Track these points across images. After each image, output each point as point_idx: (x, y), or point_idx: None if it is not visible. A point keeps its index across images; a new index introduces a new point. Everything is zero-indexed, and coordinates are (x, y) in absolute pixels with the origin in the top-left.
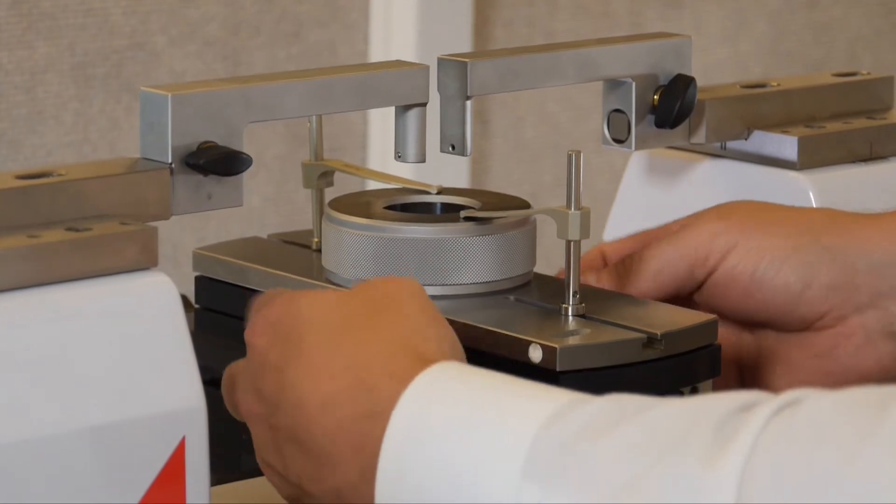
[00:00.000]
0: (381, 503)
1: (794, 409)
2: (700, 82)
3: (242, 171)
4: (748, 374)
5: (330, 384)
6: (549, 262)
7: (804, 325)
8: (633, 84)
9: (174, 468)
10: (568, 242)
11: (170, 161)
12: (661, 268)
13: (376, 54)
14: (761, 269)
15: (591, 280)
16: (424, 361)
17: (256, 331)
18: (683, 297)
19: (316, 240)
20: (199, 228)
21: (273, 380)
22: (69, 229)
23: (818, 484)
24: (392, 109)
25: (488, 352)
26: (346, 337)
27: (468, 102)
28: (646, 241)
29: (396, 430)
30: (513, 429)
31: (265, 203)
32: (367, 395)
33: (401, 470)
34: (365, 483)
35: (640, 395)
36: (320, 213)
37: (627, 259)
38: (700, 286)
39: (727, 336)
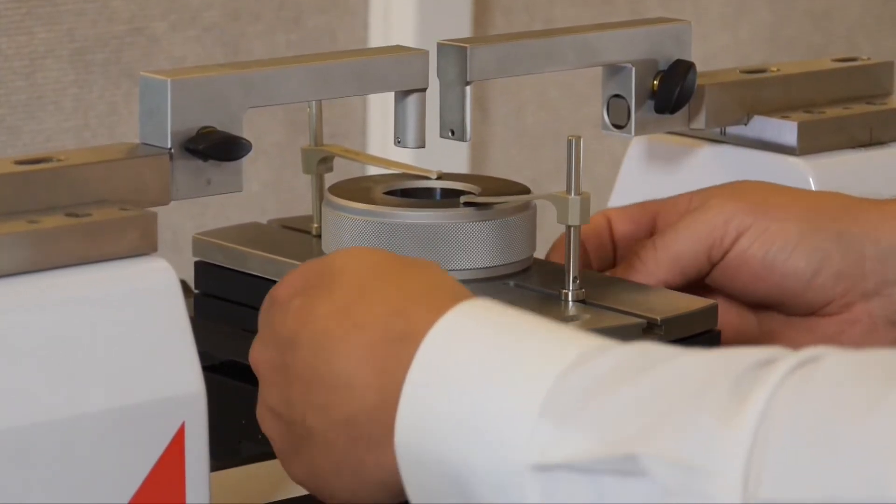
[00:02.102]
0: (401, 426)
1: (812, 367)
2: (700, 69)
3: (242, 157)
4: None
5: (366, 311)
6: (549, 247)
7: (811, 311)
8: (633, 69)
9: (174, 454)
10: (568, 227)
11: (169, 146)
12: (679, 254)
13: (376, 40)
14: (772, 252)
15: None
16: (462, 298)
17: (282, 284)
18: (700, 280)
19: (316, 225)
20: (198, 214)
21: (294, 319)
22: (69, 215)
23: (830, 445)
24: (392, 95)
25: None
26: (382, 280)
27: (468, 88)
28: (653, 211)
29: (427, 353)
30: (537, 369)
31: (265, 189)
32: (402, 320)
33: (425, 394)
34: (384, 405)
35: (665, 345)
36: (320, 198)
37: (639, 248)
38: (713, 268)
39: (730, 318)
